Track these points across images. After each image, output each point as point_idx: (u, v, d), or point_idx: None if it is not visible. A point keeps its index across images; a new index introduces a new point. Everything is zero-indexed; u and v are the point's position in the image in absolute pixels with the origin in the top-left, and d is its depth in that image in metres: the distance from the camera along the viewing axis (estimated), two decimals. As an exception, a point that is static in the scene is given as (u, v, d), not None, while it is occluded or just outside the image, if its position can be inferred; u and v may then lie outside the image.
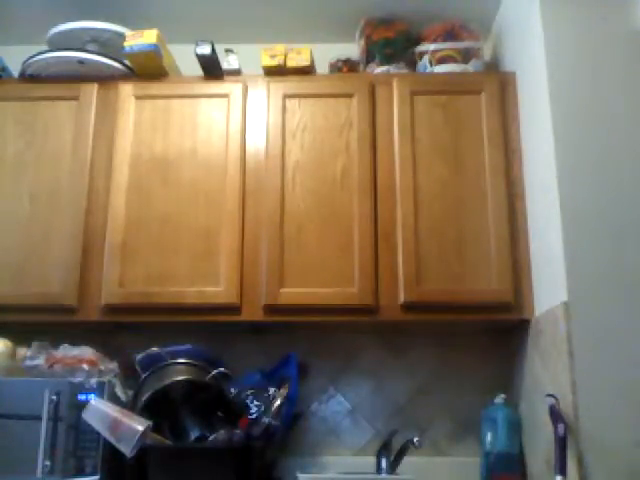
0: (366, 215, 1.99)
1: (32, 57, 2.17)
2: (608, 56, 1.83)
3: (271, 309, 1.94)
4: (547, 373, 1.77)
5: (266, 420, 1.81)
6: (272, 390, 1.91)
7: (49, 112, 2.14)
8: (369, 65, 2.32)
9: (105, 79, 2.18)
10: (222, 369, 1.91)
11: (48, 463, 1.71)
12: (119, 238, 1.99)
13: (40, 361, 1.86)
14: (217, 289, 1.94)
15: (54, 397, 1.76)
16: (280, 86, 2.14)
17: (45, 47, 2.26)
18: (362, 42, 2.37)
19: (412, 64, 2.30)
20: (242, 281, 1.96)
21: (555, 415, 1.60)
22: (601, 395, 1.57)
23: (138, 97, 2.13)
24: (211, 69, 2.18)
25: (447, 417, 2.18)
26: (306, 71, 2.20)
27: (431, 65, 2.23)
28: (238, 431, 1.79)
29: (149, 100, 2.13)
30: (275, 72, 2.18)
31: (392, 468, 1.99)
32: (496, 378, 2.16)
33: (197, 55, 2.15)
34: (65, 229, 2.02)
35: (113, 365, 1.89)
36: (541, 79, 1.86)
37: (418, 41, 2.33)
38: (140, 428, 1.64)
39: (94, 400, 1.72)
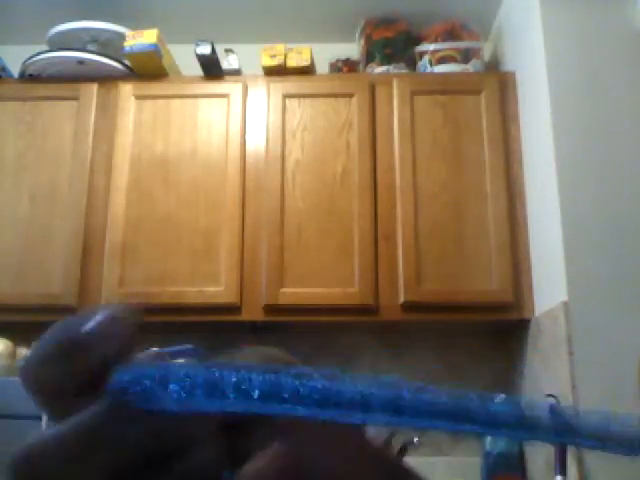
0: (366, 215, 1.99)
1: (32, 57, 2.17)
2: (608, 56, 1.83)
3: (271, 309, 1.94)
4: (547, 373, 1.77)
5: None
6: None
7: (49, 112, 2.14)
8: (369, 65, 2.32)
9: (105, 79, 2.18)
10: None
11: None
12: (119, 238, 1.99)
13: (40, 361, 1.86)
14: (217, 289, 1.94)
15: (54, 397, 1.76)
16: (280, 86, 2.14)
17: (45, 47, 2.26)
18: (362, 42, 2.37)
19: (412, 64, 2.30)
20: (242, 281, 1.96)
21: (555, 415, 1.60)
22: (601, 395, 1.57)
23: (138, 97, 2.13)
24: (211, 69, 2.18)
25: (447, 417, 2.18)
26: (306, 71, 2.20)
27: (431, 65, 2.23)
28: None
29: (149, 100, 2.13)
30: (275, 72, 2.18)
31: (392, 468, 1.98)
32: (496, 378, 2.16)
33: (197, 55, 2.15)
34: (65, 229, 2.02)
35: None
36: (541, 79, 1.86)
37: (418, 41, 2.33)
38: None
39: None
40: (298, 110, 2.12)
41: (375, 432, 2.18)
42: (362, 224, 1.98)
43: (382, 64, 2.28)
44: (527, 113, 2.03)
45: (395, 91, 2.11)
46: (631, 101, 1.79)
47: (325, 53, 2.37)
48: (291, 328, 2.12)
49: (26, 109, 2.15)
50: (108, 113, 2.13)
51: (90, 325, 0.22)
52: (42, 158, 2.10)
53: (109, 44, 2.28)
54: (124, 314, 0.24)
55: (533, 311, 1.91)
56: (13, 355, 1.95)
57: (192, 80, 2.20)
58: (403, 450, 1.98)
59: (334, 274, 1.95)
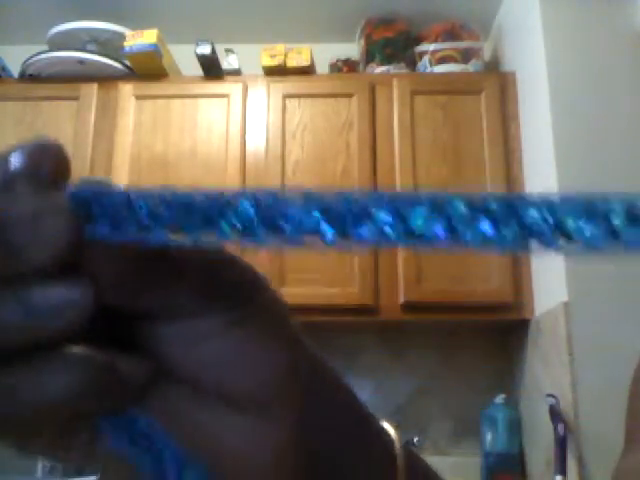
0: (366, 215, 1.99)
1: (32, 57, 2.17)
2: (608, 56, 1.83)
3: (271, 309, 1.94)
4: (547, 373, 1.77)
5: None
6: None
7: (49, 112, 2.14)
8: (369, 65, 2.32)
9: (105, 79, 2.18)
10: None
11: (48, 463, 1.71)
12: (119, 238, 1.99)
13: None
14: (217, 289, 1.94)
15: (54, 397, 1.76)
16: (280, 86, 2.14)
17: (45, 47, 2.26)
18: (362, 42, 2.37)
19: (412, 64, 2.30)
20: (242, 281, 1.96)
21: (555, 415, 1.61)
22: (601, 395, 1.57)
23: (138, 97, 2.13)
24: (211, 69, 2.18)
25: (447, 417, 2.18)
26: (306, 71, 2.20)
27: (431, 65, 2.23)
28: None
29: (149, 100, 2.13)
30: (275, 72, 2.18)
31: (392, 468, 1.99)
32: (496, 378, 2.16)
33: (197, 55, 2.15)
34: (65, 229, 2.01)
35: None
36: (541, 79, 1.86)
37: (418, 41, 2.33)
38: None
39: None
40: (298, 110, 2.12)
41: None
42: (362, 224, 1.98)
43: (382, 64, 2.28)
44: (527, 113, 2.03)
45: (395, 91, 2.11)
46: (631, 101, 1.79)
47: (325, 53, 2.37)
48: (291, 328, 2.12)
49: (26, 109, 2.15)
50: (108, 113, 2.13)
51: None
52: (42, 158, 2.10)
53: (109, 44, 2.28)
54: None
55: (533, 311, 1.91)
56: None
57: (192, 80, 2.20)
58: (403, 450, 1.98)
59: (334, 274, 1.95)
